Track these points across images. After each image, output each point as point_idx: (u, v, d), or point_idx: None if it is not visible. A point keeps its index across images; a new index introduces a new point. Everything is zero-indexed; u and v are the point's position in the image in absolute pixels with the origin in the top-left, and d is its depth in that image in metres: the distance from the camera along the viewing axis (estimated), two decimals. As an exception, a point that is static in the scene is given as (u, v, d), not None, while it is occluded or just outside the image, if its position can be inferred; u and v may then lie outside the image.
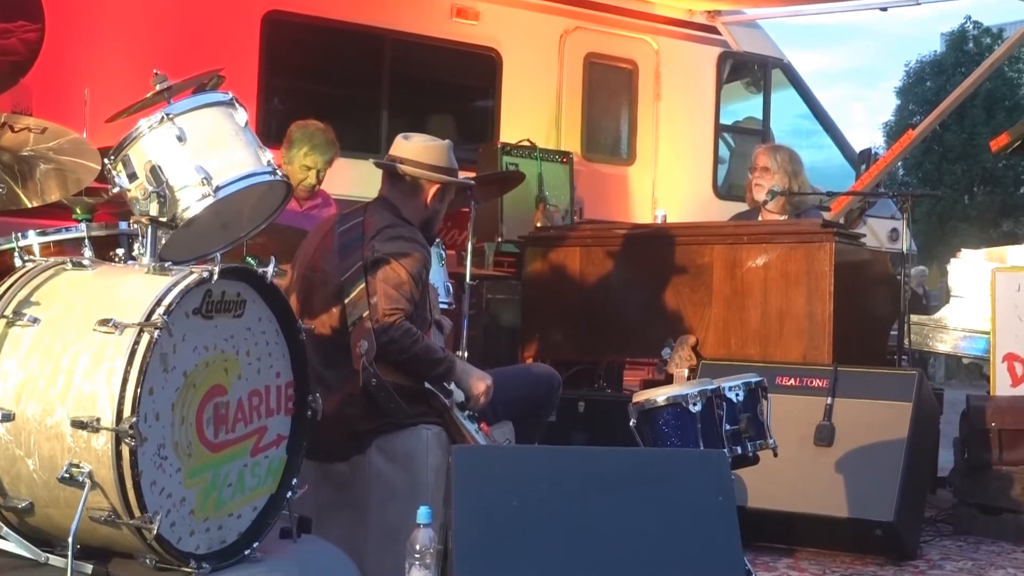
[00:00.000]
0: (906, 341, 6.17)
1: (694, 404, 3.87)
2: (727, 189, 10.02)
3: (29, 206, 3.90)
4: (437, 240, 5.05)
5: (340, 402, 4.13)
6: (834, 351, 5.60)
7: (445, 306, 5.43)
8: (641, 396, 4.00)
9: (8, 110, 5.90)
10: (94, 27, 7.27)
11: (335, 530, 4.03)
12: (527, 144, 8.31)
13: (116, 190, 3.33)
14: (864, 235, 6.77)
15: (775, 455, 4.05)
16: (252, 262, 4.82)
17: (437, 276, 5.41)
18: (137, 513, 2.88)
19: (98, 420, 2.88)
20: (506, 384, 4.70)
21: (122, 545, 3.00)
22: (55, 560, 3.01)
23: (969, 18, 35.41)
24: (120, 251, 3.47)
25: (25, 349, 3.03)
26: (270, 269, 3.25)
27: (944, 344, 6.91)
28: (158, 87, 3.37)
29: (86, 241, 3.54)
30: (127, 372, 2.88)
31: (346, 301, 4.20)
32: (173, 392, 2.98)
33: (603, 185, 9.35)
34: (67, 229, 3.61)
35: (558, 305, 6.55)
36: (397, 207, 4.45)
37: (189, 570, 3.00)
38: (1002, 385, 6.07)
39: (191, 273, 3.05)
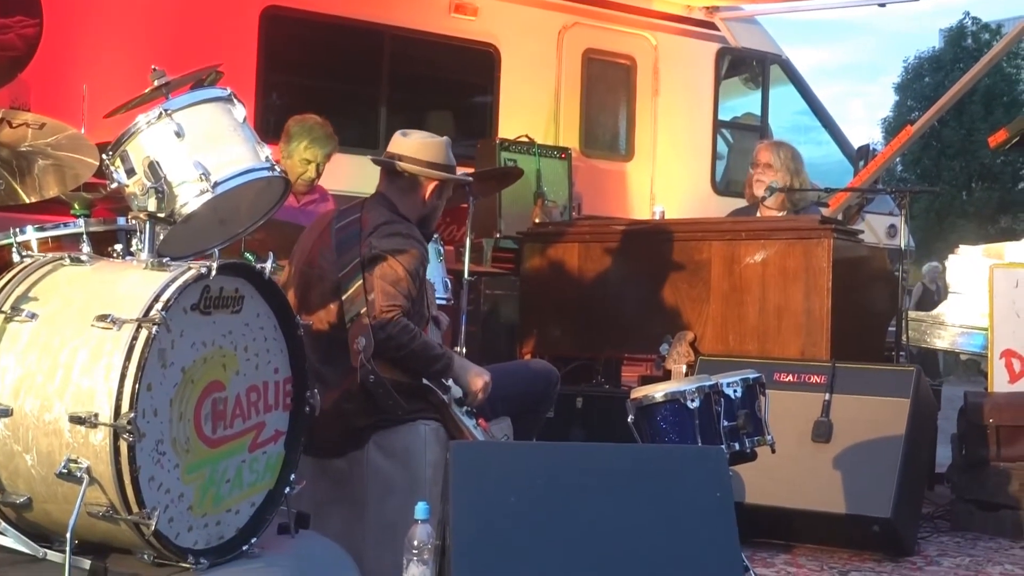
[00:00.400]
0: (904, 337, 6.18)
1: (692, 400, 3.87)
2: (725, 185, 10.03)
3: (27, 201, 3.89)
4: (435, 236, 5.06)
5: (338, 398, 4.13)
6: (832, 347, 5.61)
7: (443, 302, 5.44)
8: (639, 392, 4.00)
9: (6, 106, 5.90)
10: (92, 22, 7.27)
11: (333, 526, 4.03)
12: (525, 140, 8.31)
13: (114, 186, 3.33)
14: (862, 231, 6.77)
15: (773, 451, 4.05)
16: (250, 258, 4.83)
17: (435, 272, 5.42)
18: (135, 509, 2.88)
19: (96, 416, 2.88)
20: (504, 380, 4.70)
21: (120, 541, 3.01)
22: (53, 555, 3.01)
23: (967, 14, 35.50)
24: (118, 247, 3.48)
25: (23, 344, 3.03)
26: (268, 265, 3.25)
27: (942, 340, 6.91)
28: (156, 83, 3.36)
29: (84, 237, 3.53)
30: (125, 368, 2.88)
31: (343, 298, 4.20)
32: (171, 388, 2.98)
33: (601, 181, 9.35)
34: (65, 225, 3.61)
35: (556, 301, 6.56)
36: (395, 203, 4.45)
37: (187, 566, 3.00)
38: (1000, 381, 6.08)
39: (189, 269, 3.05)
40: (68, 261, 3.23)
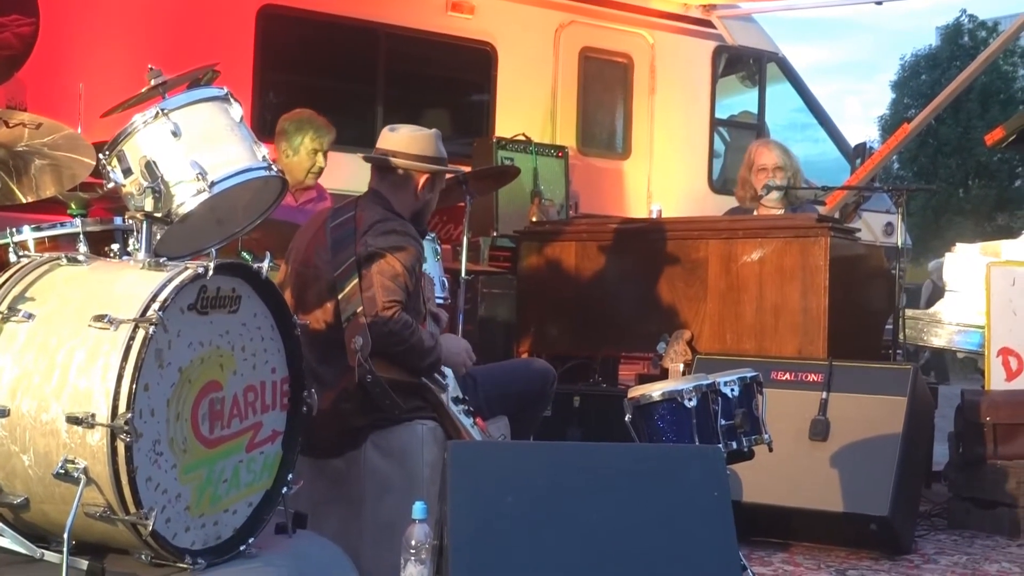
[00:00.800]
0: (901, 335, 6.18)
1: (689, 399, 3.87)
2: (722, 183, 10.02)
3: (24, 201, 3.88)
4: (432, 235, 5.06)
5: (335, 398, 4.13)
6: (829, 346, 5.61)
7: (441, 301, 5.43)
8: (636, 391, 4.00)
9: (3, 105, 5.91)
10: (89, 21, 7.27)
11: (330, 525, 4.03)
12: (522, 138, 8.31)
13: (111, 185, 3.32)
14: (859, 229, 6.77)
15: (770, 450, 4.05)
16: (247, 257, 4.82)
17: (432, 271, 5.41)
18: (132, 509, 2.88)
19: (93, 416, 2.87)
20: (501, 379, 4.70)
21: (117, 541, 3.00)
22: (50, 556, 3.00)
23: (964, 11, 35.52)
24: (115, 246, 3.47)
25: (20, 345, 3.03)
26: (265, 264, 3.25)
27: (939, 338, 6.91)
28: (153, 82, 3.36)
29: (81, 236, 3.53)
30: (122, 368, 2.88)
31: (339, 297, 4.20)
32: (168, 388, 2.98)
33: (598, 179, 9.35)
34: (62, 224, 3.60)
35: (553, 300, 6.56)
36: (388, 200, 4.45)
37: (184, 566, 3.00)
38: (997, 379, 6.08)
39: (186, 269, 3.05)
40: (65, 261, 3.22)
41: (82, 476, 2.88)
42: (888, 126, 33.03)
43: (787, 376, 5.31)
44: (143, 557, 2.99)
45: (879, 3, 10.20)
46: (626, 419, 3.95)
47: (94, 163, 3.58)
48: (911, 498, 5.31)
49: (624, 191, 9.62)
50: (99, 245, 3.50)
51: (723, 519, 3.19)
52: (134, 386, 2.86)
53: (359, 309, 4.14)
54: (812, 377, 5.29)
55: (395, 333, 4.14)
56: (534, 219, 7.46)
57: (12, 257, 3.36)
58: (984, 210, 33.02)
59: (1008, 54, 32.05)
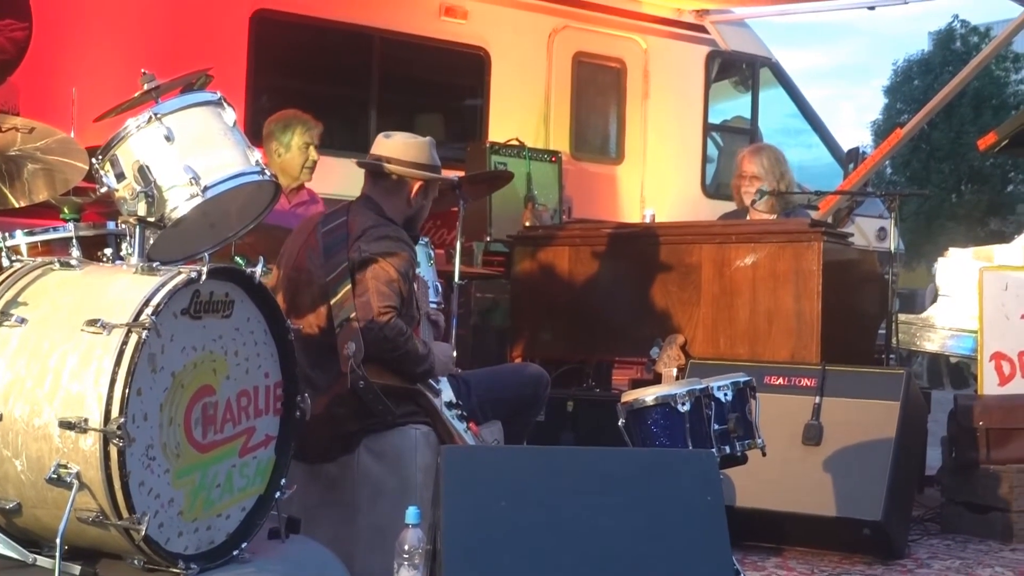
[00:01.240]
0: (894, 340, 6.19)
1: (682, 404, 3.87)
2: (715, 188, 10.04)
3: (16, 206, 3.88)
4: (426, 240, 5.06)
5: (328, 402, 4.13)
6: (822, 350, 5.61)
7: (434, 305, 5.43)
8: (629, 396, 4.00)
9: (-5, 109, 5.88)
10: (82, 26, 7.25)
11: (324, 530, 4.02)
12: (516, 143, 8.31)
13: (104, 190, 3.32)
14: (852, 234, 6.79)
15: (763, 454, 4.05)
16: (240, 262, 4.81)
17: (426, 275, 5.41)
18: (125, 514, 2.88)
19: (86, 421, 2.87)
20: (495, 384, 4.70)
21: (110, 546, 3.00)
22: (43, 561, 3.00)
23: (956, 17, 35.61)
24: (108, 251, 3.47)
25: (12, 349, 3.02)
26: (258, 269, 3.24)
27: (931, 343, 6.93)
28: (146, 86, 3.36)
29: (74, 241, 3.52)
30: (115, 373, 2.87)
31: (332, 302, 4.20)
32: (161, 393, 2.98)
33: (592, 184, 9.35)
34: (55, 229, 3.60)
35: (547, 304, 6.56)
36: (381, 205, 4.45)
37: (177, 571, 3.00)
38: (990, 384, 6.09)
39: (179, 273, 3.05)
40: (58, 265, 3.22)
41: (75, 481, 2.88)
42: (881, 131, 33.09)
43: (780, 380, 5.31)
44: (136, 562, 2.99)
45: (872, 8, 10.22)
46: (619, 423, 3.95)
47: (87, 167, 3.57)
48: (904, 503, 5.31)
49: (617, 196, 9.63)
50: (92, 250, 3.50)
51: (716, 523, 3.19)
52: (127, 391, 2.85)
53: (352, 315, 4.14)
54: (805, 382, 5.29)
55: (389, 339, 4.14)
56: (527, 224, 7.46)
57: (5, 262, 3.36)
58: (977, 215, 33.10)
59: (1000, 59, 32.13)
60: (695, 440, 3.85)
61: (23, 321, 3.05)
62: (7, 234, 3.51)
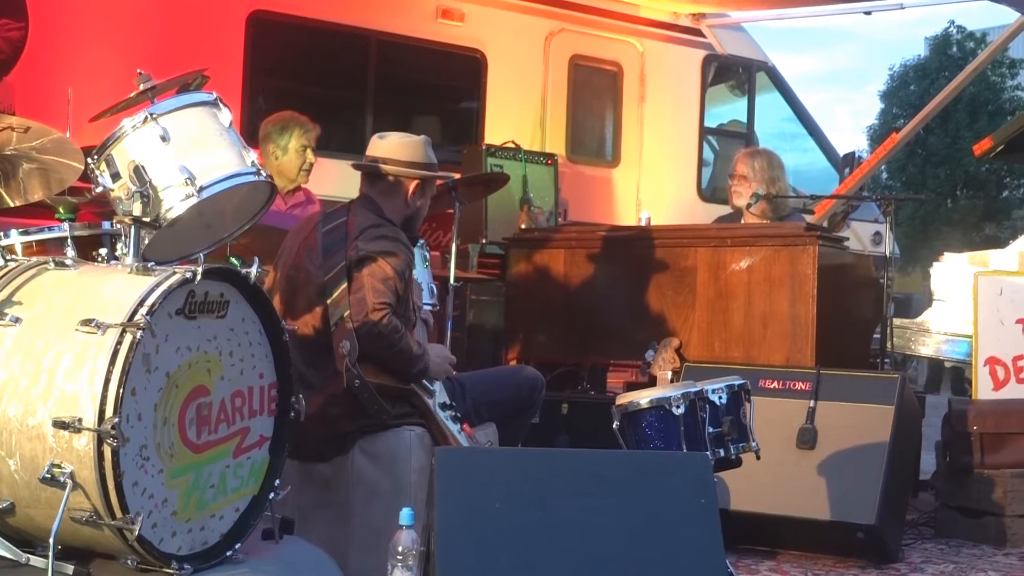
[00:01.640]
0: (888, 344, 6.19)
1: (677, 407, 3.87)
2: (711, 192, 10.04)
3: (11, 205, 3.87)
4: (421, 242, 5.07)
5: (323, 403, 4.13)
6: (817, 354, 5.62)
7: (429, 307, 5.43)
8: (624, 398, 4.00)
9: (-9, 109, 5.88)
10: (78, 26, 7.25)
11: (318, 531, 4.02)
12: (512, 146, 8.30)
13: (99, 190, 3.32)
14: (847, 238, 6.79)
15: (758, 458, 4.06)
16: (236, 262, 4.81)
17: (421, 277, 5.41)
18: (119, 514, 2.87)
19: (80, 420, 2.87)
20: (490, 386, 4.70)
21: (104, 546, 3.00)
22: (36, 561, 3.00)
23: (953, 22, 35.61)
24: (103, 251, 3.47)
25: (7, 349, 3.02)
26: (253, 270, 3.24)
27: (926, 348, 6.93)
28: (142, 87, 3.36)
29: (69, 241, 3.51)
30: (109, 372, 2.87)
31: (328, 301, 4.20)
32: (156, 393, 2.97)
33: (587, 187, 9.35)
34: (50, 229, 3.59)
35: (542, 307, 6.56)
36: (379, 205, 4.46)
37: (171, 571, 3.00)
38: (984, 389, 6.09)
39: (174, 273, 3.05)
40: (52, 265, 3.22)
41: (68, 481, 2.88)
42: (877, 136, 33.11)
43: (775, 384, 5.31)
44: (129, 562, 2.99)
45: (868, 13, 10.22)
46: (614, 426, 3.95)
47: (82, 167, 3.57)
48: (898, 507, 5.32)
49: (613, 199, 9.63)
50: (87, 249, 3.49)
51: (710, 527, 3.20)
52: (121, 390, 2.85)
53: (347, 313, 4.14)
54: (800, 385, 5.29)
55: (383, 336, 4.14)
56: (523, 226, 7.45)
57: (0, 261, 3.35)
58: (972, 220, 33.11)
59: (996, 65, 32.13)
60: (689, 443, 3.86)
61: (17, 320, 3.05)
62: (2, 233, 3.51)
